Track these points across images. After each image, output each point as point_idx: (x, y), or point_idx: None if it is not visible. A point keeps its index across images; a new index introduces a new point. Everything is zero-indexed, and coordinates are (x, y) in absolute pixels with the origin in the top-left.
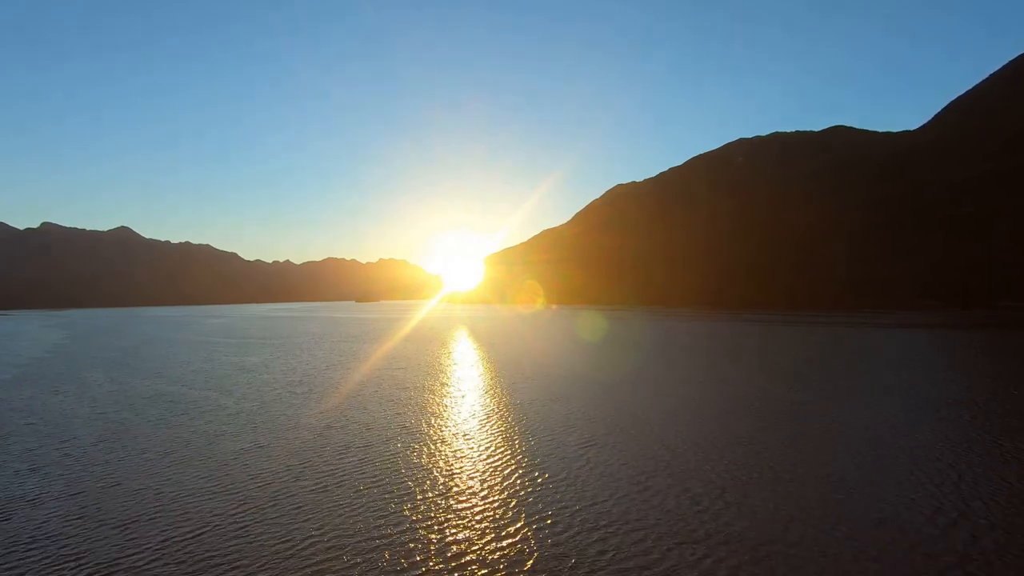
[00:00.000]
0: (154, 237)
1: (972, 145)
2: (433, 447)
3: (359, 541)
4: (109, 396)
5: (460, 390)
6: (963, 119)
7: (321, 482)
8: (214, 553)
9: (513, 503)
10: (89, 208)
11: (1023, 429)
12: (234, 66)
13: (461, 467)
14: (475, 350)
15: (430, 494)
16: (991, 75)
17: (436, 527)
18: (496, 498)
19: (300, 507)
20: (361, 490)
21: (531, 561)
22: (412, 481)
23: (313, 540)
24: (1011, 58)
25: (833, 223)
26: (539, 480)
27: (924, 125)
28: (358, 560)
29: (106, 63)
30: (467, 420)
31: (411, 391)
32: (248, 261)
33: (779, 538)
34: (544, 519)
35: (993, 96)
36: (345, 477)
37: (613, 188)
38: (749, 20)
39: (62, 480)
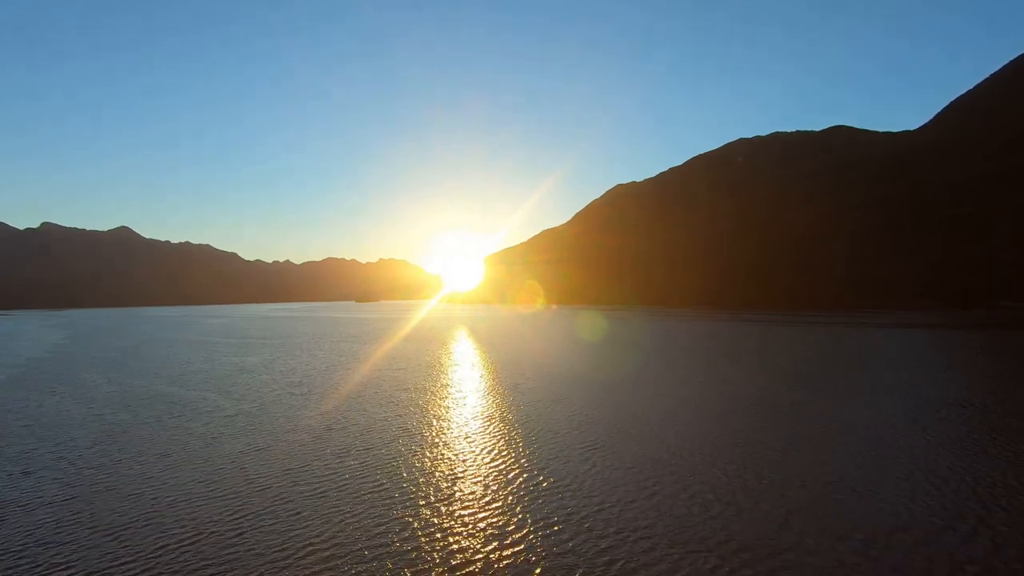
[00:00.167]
0: (154, 237)
1: (972, 145)
2: (435, 450)
3: (359, 549)
4: (106, 397)
5: (461, 391)
6: (963, 119)
7: (320, 487)
8: (209, 561)
9: (518, 509)
10: (89, 208)
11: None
12: (234, 66)
13: (464, 471)
14: (475, 350)
15: (433, 499)
16: (991, 75)
17: (439, 534)
18: (500, 504)
19: (298, 513)
20: (362, 495)
21: (538, 570)
22: (414, 486)
23: (312, 548)
24: (1011, 58)
25: (833, 223)
26: (543, 485)
27: (924, 125)
28: (358, 569)
29: (106, 63)
30: (469, 422)
31: (412, 392)
32: (248, 261)
33: (792, 545)
34: (550, 526)
35: (993, 96)
36: (345, 482)
37: (613, 188)
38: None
39: (56, 484)
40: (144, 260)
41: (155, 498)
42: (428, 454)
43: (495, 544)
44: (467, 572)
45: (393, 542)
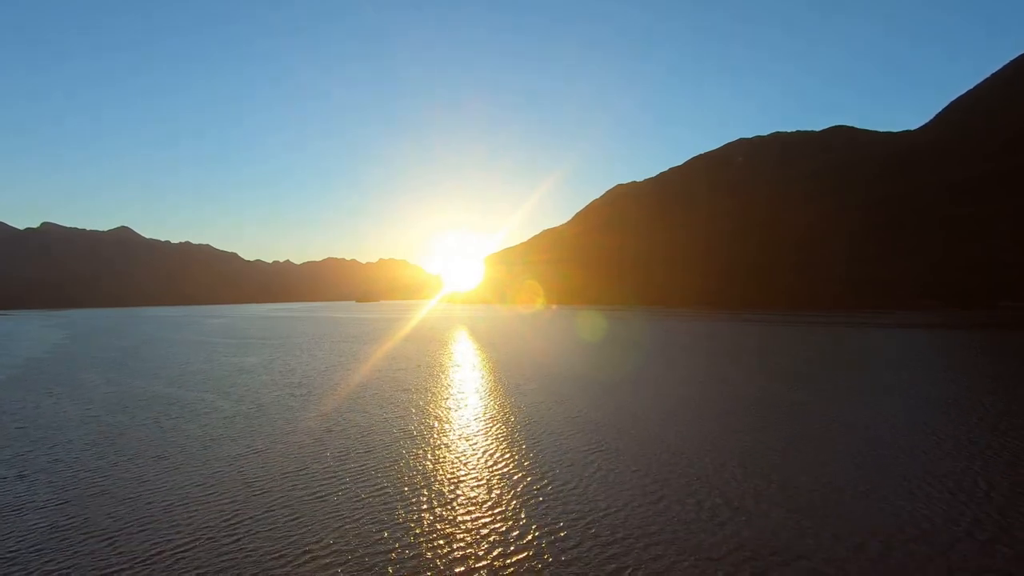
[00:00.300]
0: (154, 237)
1: (972, 145)
2: (436, 452)
3: (359, 556)
4: (104, 398)
5: (462, 392)
6: (963, 119)
7: (319, 490)
8: (204, 568)
9: (522, 514)
10: (89, 208)
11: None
12: (234, 66)
13: (466, 474)
14: (475, 350)
15: (434, 503)
16: (991, 75)
17: (442, 540)
18: (504, 508)
19: (297, 517)
20: (362, 499)
21: None
22: (415, 489)
23: (310, 554)
24: (1011, 58)
25: (833, 223)
26: (548, 488)
27: (924, 125)
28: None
29: (106, 63)
30: (470, 423)
31: (412, 393)
32: (248, 261)
33: (807, 553)
34: (555, 531)
35: (993, 96)
36: (345, 485)
37: (613, 188)
38: (749, 20)
39: (49, 487)
40: (144, 260)
41: (150, 502)
42: (429, 457)
43: (500, 551)
44: None
45: (394, 548)
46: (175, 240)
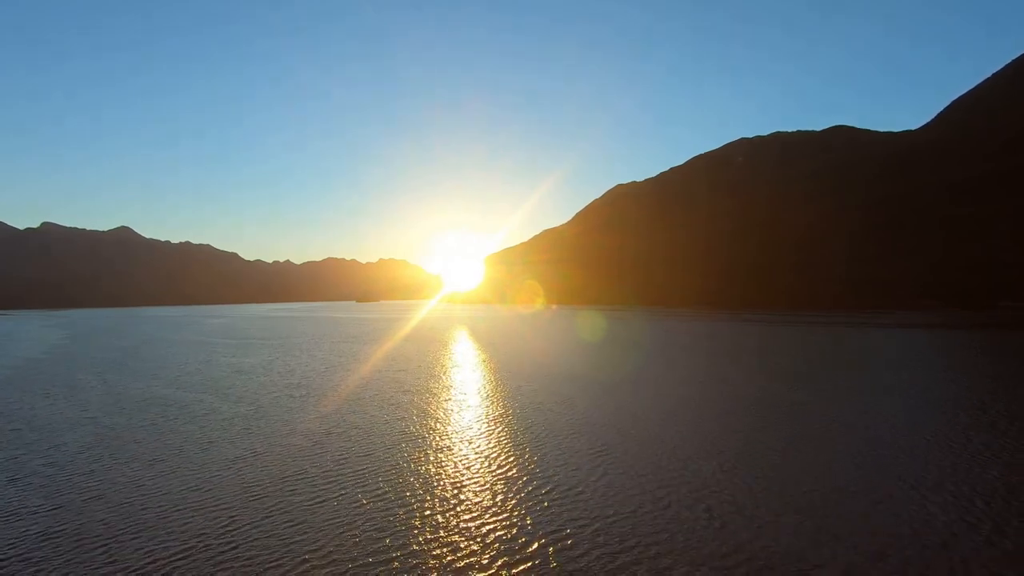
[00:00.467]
0: (154, 237)
1: (972, 145)
2: (438, 455)
3: (360, 565)
4: (101, 400)
5: (463, 393)
6: (964, 119)
7: (319, 495)
8: None
9: (528, 520)
10: (89, 208)
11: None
12: (234, 66)
13: (468, 478)
14: (476, 351)
15: (436, 509)
16: (992, 75)
17: (444, 547)
18: (508, 514)
19: (295, 523)
20: (362, 504)
21: None
22: (417, 494)
23: (309, 563)
24: (1012, 58)
25: (833, 223)
26: (553, 493)
27: (925, 125)
28: None
29: (106, 63)
30: (472, 425)
31: (413, 394)
32: (248, 261)
33: (823, 562)
34: (562, 539)
35: (993, 96)
36: (344, 489)
37: (613, 188)
38: (749, 20)
39: (42, 492)
40: (144, 260)
41: (145, 508)
42: (431, 460)
43: (505, 559)
44: None
45: (396, 556)
46: (175, 240)
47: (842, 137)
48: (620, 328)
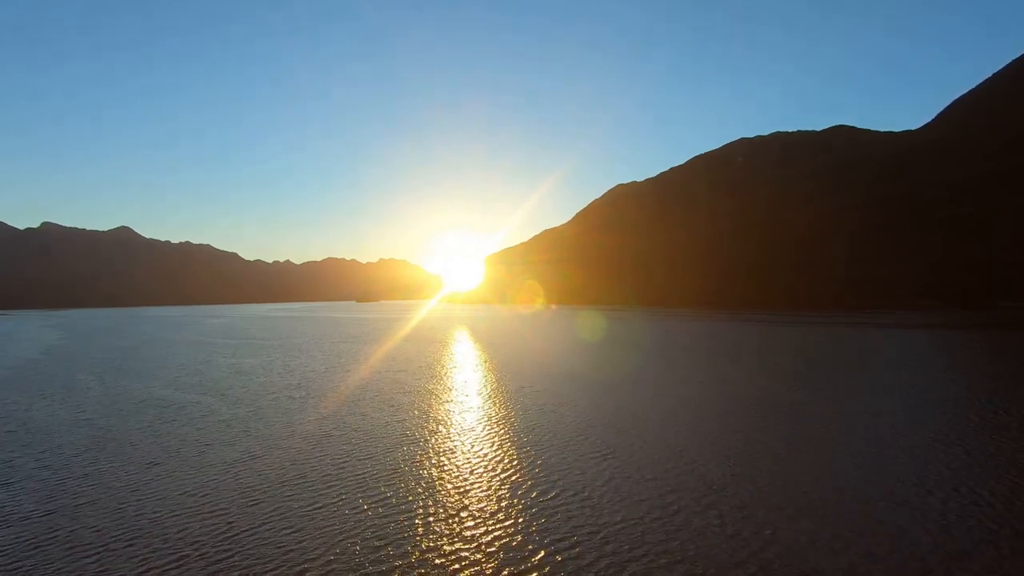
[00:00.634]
0: (154, 237)
1: (972, 145)
2: (440, 459)
3: (359, 574)
4: (99, 401)
5: (464, 393)
6: (964, 119)
7: (318, 500)
8: None
9: (532, 527)
10: (89, 208)
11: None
12: (234, 66)
13: (471, 482)
14: (476, 351)
15: (439, 514)
16: (992, 75)
17: (448, 555)
18: (512, 520)
19: (294, 529)
20: (363, 509)
21: None
22: (419, 499)
23: (307, 571)
24: (1012, 58)
25: (833, 223)
26: (559, 498)
27: (925, 125)
28: None
29: (106, 63)
30: (473, 427)
31: (413, 395)
32: (248, 261)
33: (837, 571)
34: (569, 547)
35: (994, 96)
36: (344, 493)
37: (613, 188)
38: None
39: (35, 496)
40: (144, 260)
41: (140, 513)
42: (433, 463)
43: (510, 569)
44: None
45: (397, 565)
46: (175, 240)
47: (842, 137)
48: (620, 328)
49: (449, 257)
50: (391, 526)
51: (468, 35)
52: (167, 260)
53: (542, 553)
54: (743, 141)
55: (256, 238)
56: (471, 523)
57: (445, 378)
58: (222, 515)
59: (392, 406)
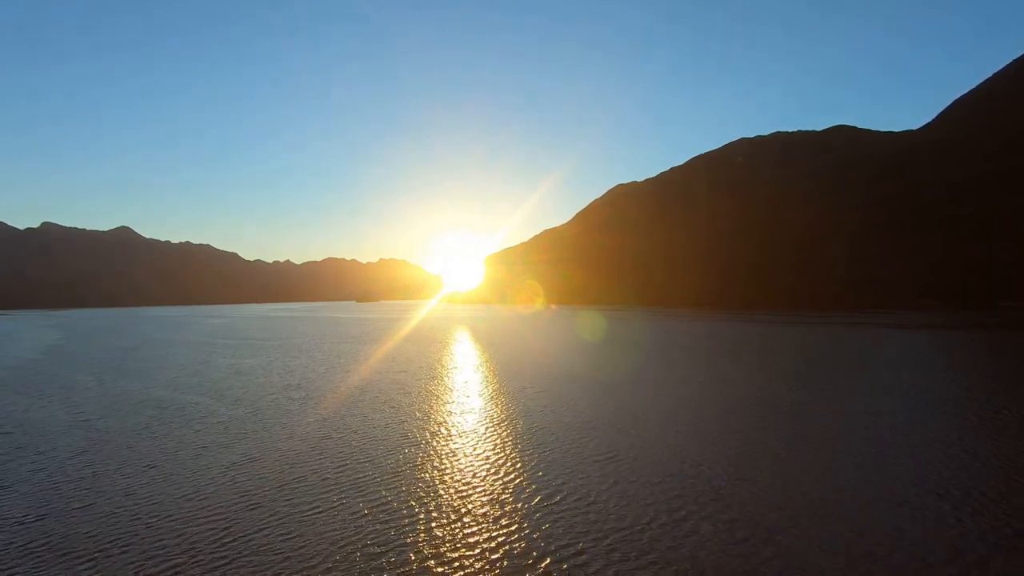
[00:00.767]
0: (154, 237)
1: (972, 145)
2: (441, 461)
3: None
4: (96, 402)
5: (464, 394)
6: (964, 119)
7: (318, 503)
8: None
9: (537, 533)
10: (89, 208)
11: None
12: (234, 66)
13: (473, 486)
14: (476, 351)
15: (441, 520)
16: (992, 75)
17: (449, 563)
18: (516, 526)
19: (292, 534)
20: (363, 513)
21: None
22: (420, 503)
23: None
24: (1013, 58)
25: (833, 223)
26: (563, 504)
27: (925, 125)
28: None
29: (106, 63)
30: (475, 429)
31: (414, 396)
32: (248, 261)
33: (847, 570)
34: (575, 554)
35: (994, 96)
36: (344, 497)
37: (613, 188)
38: (749, 20)
39: (29, 500)
40: (144, 260)
41: (136, 517)
42: (434, 466)
43: None
44: None
45: (398, 571)
46: (175, 240)
47: (842, 137)
48: (620, 328)
49: (449, 257)
50: (392, 531)
51: (468, 35)
52: (167, 260)
53: (548, 560)
54: (743, 141)
55: (256, 238)
56: (474, 528)
57: (445, 379)
58: (220, 519)
59: (392, 407)
